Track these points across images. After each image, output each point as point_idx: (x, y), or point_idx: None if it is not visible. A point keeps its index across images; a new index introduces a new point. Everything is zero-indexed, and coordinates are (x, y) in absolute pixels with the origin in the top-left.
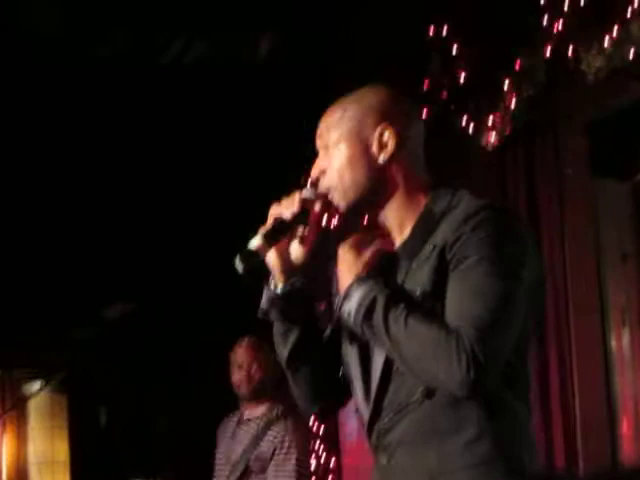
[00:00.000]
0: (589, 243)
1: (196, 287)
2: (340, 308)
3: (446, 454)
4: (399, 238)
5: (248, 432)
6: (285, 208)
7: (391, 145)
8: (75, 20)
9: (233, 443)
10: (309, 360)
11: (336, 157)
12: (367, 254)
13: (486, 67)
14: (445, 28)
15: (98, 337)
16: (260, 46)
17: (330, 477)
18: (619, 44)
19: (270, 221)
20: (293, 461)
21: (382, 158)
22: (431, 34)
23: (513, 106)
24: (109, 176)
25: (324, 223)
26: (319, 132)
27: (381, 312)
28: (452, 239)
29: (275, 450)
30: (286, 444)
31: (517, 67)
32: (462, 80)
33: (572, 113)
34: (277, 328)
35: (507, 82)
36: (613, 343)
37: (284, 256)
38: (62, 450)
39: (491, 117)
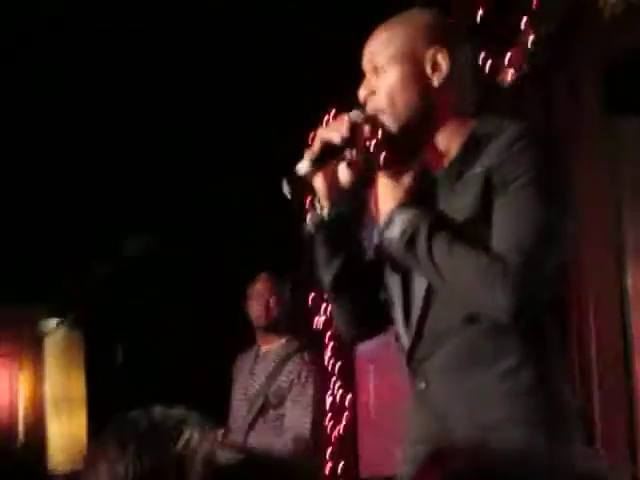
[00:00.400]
0: (606, 181)
1: (215, 223)
2: (382, 234)
3: (485, 382)
4: (445, 161)
5: (266, 366)
6: (333, 131)
7: (445, 67)
8: None
9: (251, 378)
10: (352, 286)
11: (387, 78)
12: (407, 179)
13: (504, 4)
14: None
15: (116, 273)
16: None
17: (345, 414)
18: None
19: (317, 144)
20: (310, 394)
21: (436, 80)
22: None
23: (530, 43)
24: (129, 108)
25: (373, 146)
26: (366, 54)
27: (424, 239)
28: (497, 162)
29: (292, 383)
30: (303, 377)
31: (534, 4)
32: (479, 17)
33: (589, 50)
34: (321, 252)
35: (524, 19)
36: (629, 281)
37: (332, 180)
38: (79, 387)
39: (508, 54)
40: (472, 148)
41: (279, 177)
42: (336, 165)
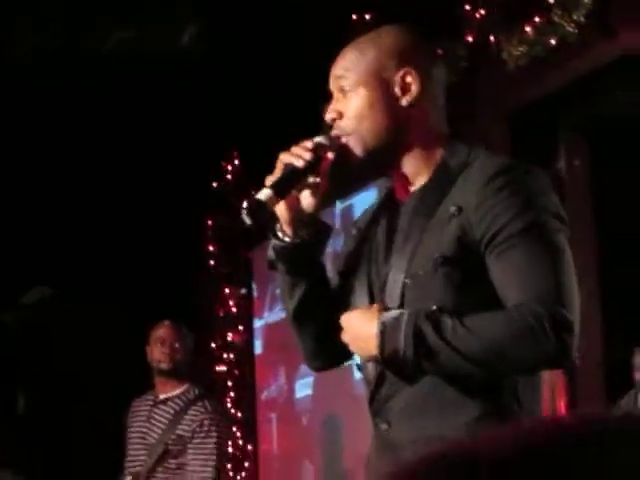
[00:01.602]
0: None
1: (114, 274)
2: (383, 358)
3: (446, 429)
4: (413, 187)
5: (166, 413)
6: (296, 156)
7: (415, 88)
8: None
9: (149, 424)
10: (315, 315)
11: (355, 100)
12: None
13: None
14: (368, 16)
15: (17, 322)
16: (183, 34)
17: (247, 463)
18: (540, 33)
19: (279, 169)
20: (213, 442)
21: (405, 102)
22: (355, 21)
23: None
24: (25, 161)
25: (337, 171)
26: (334, 74)
27: (433, 332)
28: (474, 202)
29: (194, 432)
30: (205, 426)
31: (439, 54)
32: None
33: (493, 101)
34: (283, 280)
35: None
36: None
37: (294, 206)
38: None
39: None
40: (443, 179)
41: (175, 223)
42: (299, 191)
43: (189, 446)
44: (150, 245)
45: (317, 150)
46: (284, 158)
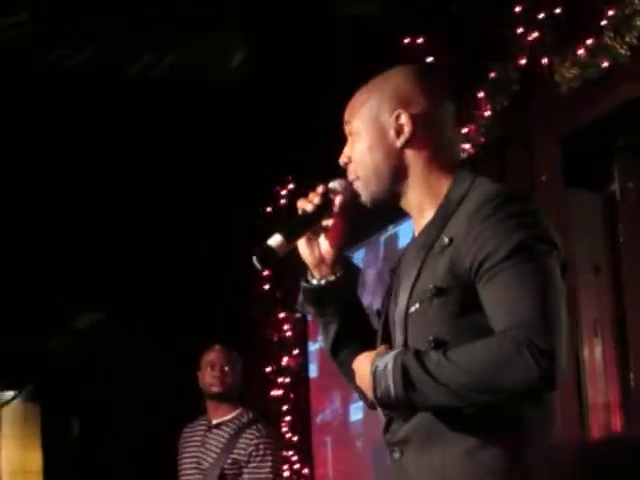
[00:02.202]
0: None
1: (165, 297)
2: (376, 398)
3: (449, 458)
4: (419, 223)
5: (220, 437)
6: (309, 201)
7: (407, 129)
8: (43, 26)
9: (203, 449)
10: (353, 351)
11: (357, 145)
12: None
13: (460, 78)
14: (420, 39)
15: (70, 346)
16: (231, 59)
17: None
18: (592, 55)
19: (295, 215)
20: (269, 465)
21: (399, 143)
22: (406, 45)
23: (487, 116)
24: (77, 186)
25: (350, 214)
26: (345, 118)
27: (418, 368)
28: (464, 232)
29: (250, 456)
30: (261, 450)
31: (491, 78)
32: None
33: (546, 124)
34: (319, 322)
35: (481, 93)
36: (585, 354)
37: (315, 249)
38: (35, 460)
39: (466, 127)
40: (445, 212)
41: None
42: (315, 235)
43: (245, 470)
44: (205, 271)
45: (327, 195)
46: (299, 204)
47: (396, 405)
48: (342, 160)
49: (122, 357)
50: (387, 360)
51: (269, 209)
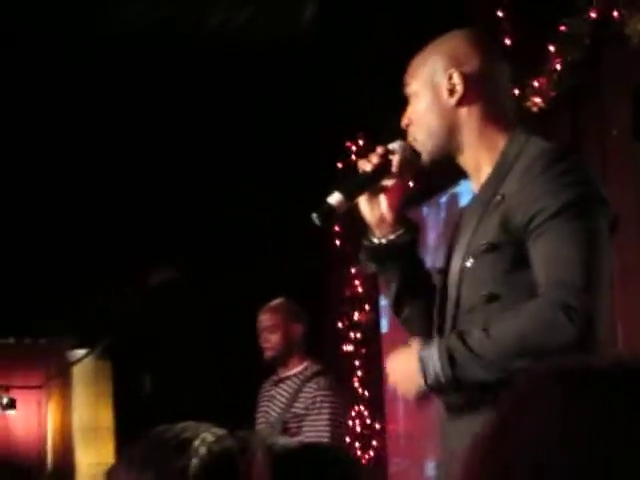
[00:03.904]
0: (632, 208)
1: (239, 253)
2: (429, 386)
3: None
4: (478, 181)
5: (285, 391)
6: (368, 161)
7: (460, 88)
8: None
9: (271, 402)
10: (414, 310)
11: (415, 106)
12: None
13: (531, 31)
14: None
15: (142, 304)
16: (303, 16)
17: (374, 441)
18: None
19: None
20: (326, 418)
21: (453, 101)
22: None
23: (558, 69)
24: (152, 139)
25: (408, 173)
26: (405, 81)
27: (462, 348)
28: (515, 189)
29: (308, 409)
30: (318, 401)
31: (562, 31)
32: (507, 43)
33: (616, 77)
34: (380, 279)
35: (552, 46)
36: None
37: (375, 209)
38: (106, 417)
39: (536, 81)
40: (500, 170)
41: (294, 201)
42: (375, 194)
43: (304, 423)
44: (277, 226)
45: (387, 155)
46: (360, 164)
47: (448, 388)
48: (403, 122)
49: (194, 314)
50: (432, 349)
51: (340, 165)
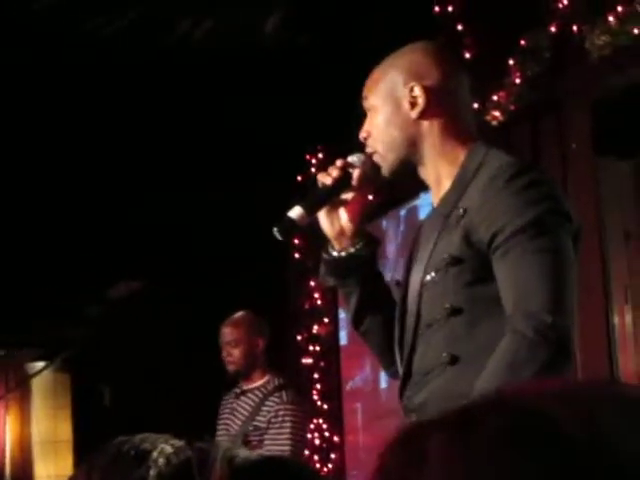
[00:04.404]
0: (592, 222)
1: (199, 265)
2: None
3: None
4: (438, 194)
5: (246, 404)
6: (328, 175)
7: (421, 101)
8: None
9: (232, 416)
10: (374, 324)
11: (375, 119)
12: None
13: (491, 45)
14: (450, 7)
15: (101, 316)
16: (265, 26)
17: (333, 454)
18: (623, 23)
19: (314, 188)
20: (287, 432)
21: (414, 114)
22: (436, 13)
23: (518, 83)
24: (111, 153)
25: (369, 187)
26: (363, 94)
27: None
28: (477, 203)
29: (270, 422)
30: (280, 415)
31: (522, 45)
32: (467, 57)
33: (576, 91)
34: (340, 292)
35: (512, 60)
36: (616, 320)
37: (335, 222)
38: (65, 429)
39: (496, 95)
40: (461, 184)
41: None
42: (335, 208)
43: (266, 437)
44: (236, 239)
45: (347, 168)
46: (319, 177)
47: None
48: (361, 135)
49: (154, 327)
50: None
51: (300, 177)
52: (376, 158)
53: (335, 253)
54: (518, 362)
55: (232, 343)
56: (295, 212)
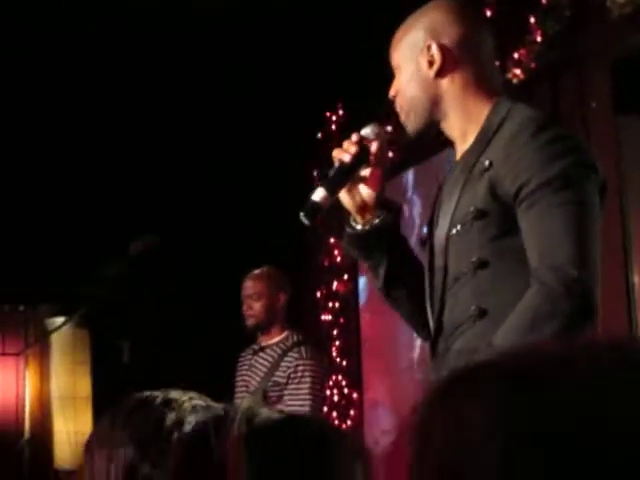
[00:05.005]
0: (613, 181)
1: (218, 221)
2: None
3: None
4: (462, 148)
5: (265, 360)
6: (344, 151)
7: (438, 59)
8: None
9: (251, 372)
10: (405, 291)
11: (399, 79)
12: None
13: (512, 3)
14: None
15: (121, 272)
16: None
17: (352, 411)
18: None
19: (333, 167)
20: (307, 387)
21: (432, 73)
22: None
23: (538, 41)
24: (131, 114)
25: (386, 157)
26: (390, 54)
27: None
28: (502, 156)
29: (289, 378)
30: (300, 370)
31: (543, 3)
32: (488, 15)
33: (597, 50)
34: (367, 264)
35: (533, 18)
36: (636, 279)
37: (356, 196)
38: (84, 385)
39: (517, 53)
40: (484, 136)
41: (281, 174)
42: (355, 183)
43: (285, 392)
44: (260, 196)
45: (362, 142)
46: (335, 154)
47: None
48: (391, 93)
49: (174, 283)
50: None
51: (320, 134)
52: (401, 115)
53: (359, 227)
54: (541, 316)
55: (254, 296)
56: (318, 195)
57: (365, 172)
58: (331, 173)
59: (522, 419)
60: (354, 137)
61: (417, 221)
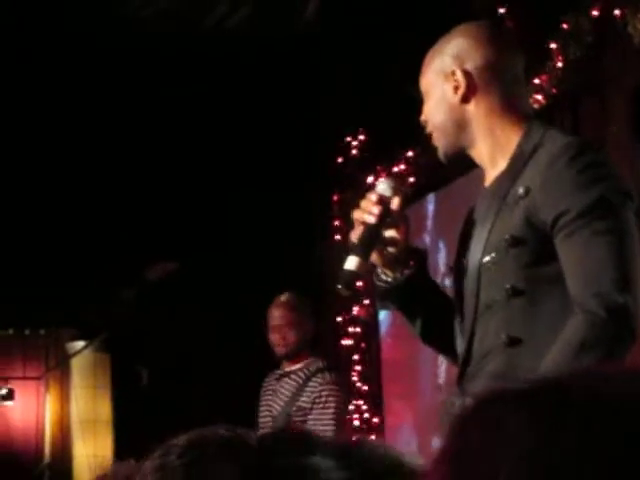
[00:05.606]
0: None
1: (237, 246)
2: None
3: None
4: (491, 174)
5: (289, 386)
6: (366, 212)
7: (463, 85)
8: None
9: (275, 396)
10: (444, 331)
11: (427, 104)
12: None
13: (533, 28)
14: None
15: (141, 297)
16: (305, 12)
17: (373, 436)
18: None
19: (356, 227)
20: (331, 412)
21: (457, 98)
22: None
23: (560, 67)
24: (154, 140)
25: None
26: (419, 80)
27: None
28: (539, 183)
29: (314, 403)
30: (324, 397)
31: (564, 28)
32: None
33: (617, 76)
34: (404, 315)
35: (554, 43)
36: None
37: (386, 254)
38: (105, 409)
39: (538, 78)
40: (517, 162)
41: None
42: (383, 244)
43: (309, 417)
44: (274, 220)
45: (382, 201)
46: (357, 216)
47: None
48: (422, 118)
49: (193, 308)
50: None
51: (340, 159)
52: (433, 140)
53: (390, 279)
54: (589, 342)
55: (286, 326)
56: (352, 263)
57: (391, 232)
58: (358, 238)
59: (571, 435)
60: (373, 197)
61: (440, 248)
